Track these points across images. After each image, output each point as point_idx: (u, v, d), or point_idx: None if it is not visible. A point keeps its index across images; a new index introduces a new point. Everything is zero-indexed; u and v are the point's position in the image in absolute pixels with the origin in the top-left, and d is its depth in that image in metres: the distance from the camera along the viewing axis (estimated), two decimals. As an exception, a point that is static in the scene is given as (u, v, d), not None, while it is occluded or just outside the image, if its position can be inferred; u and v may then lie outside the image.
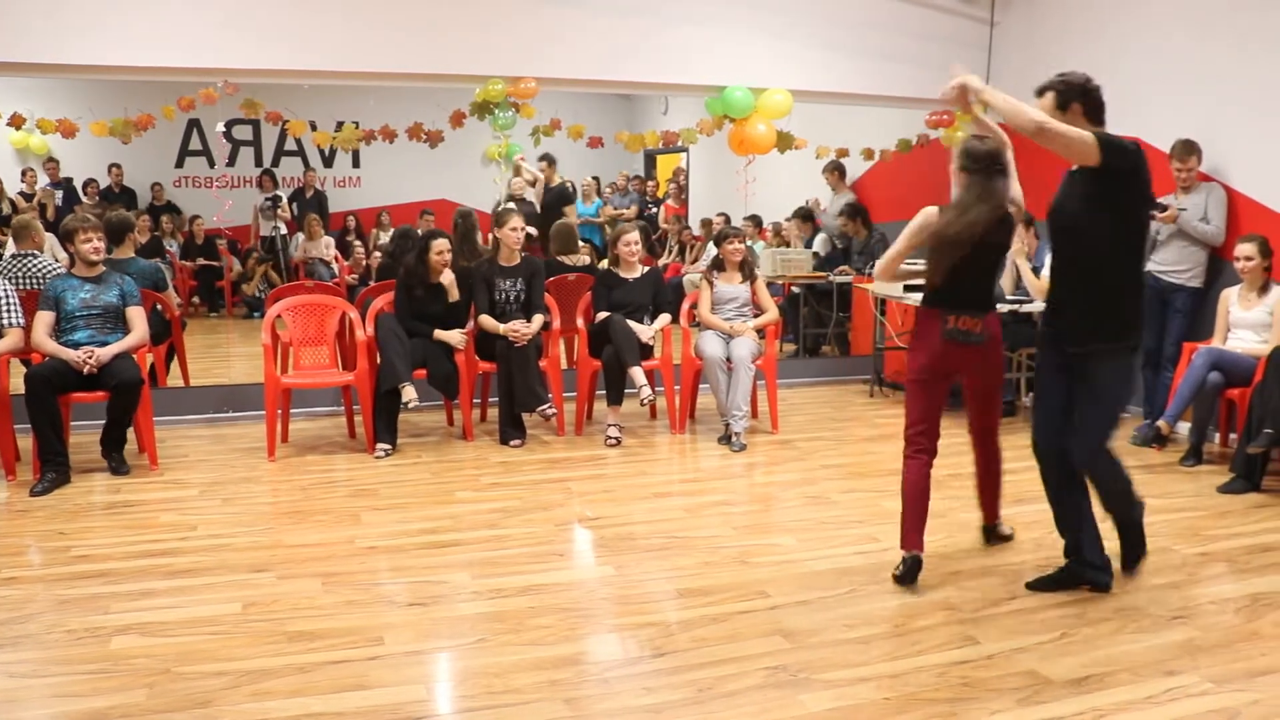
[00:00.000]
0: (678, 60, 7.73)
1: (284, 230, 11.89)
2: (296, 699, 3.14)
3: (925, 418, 4.09)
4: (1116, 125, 7.10)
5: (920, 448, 4.11)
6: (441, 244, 6.42)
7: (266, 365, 6.19)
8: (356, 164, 14.39)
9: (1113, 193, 3.60)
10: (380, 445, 6.12)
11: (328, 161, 14.33)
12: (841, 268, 9.07)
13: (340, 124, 8.45)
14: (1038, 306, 6.72)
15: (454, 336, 6.33)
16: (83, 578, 4.16)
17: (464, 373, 6.38)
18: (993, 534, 4.57)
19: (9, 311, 5.67)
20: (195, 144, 13.84)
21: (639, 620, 3.74)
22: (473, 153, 12.18)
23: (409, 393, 6.02)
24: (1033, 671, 3.30)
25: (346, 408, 6.73)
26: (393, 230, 9.64)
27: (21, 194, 11.89)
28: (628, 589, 4.07)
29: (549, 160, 10.87)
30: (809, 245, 9.80)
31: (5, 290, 5.71)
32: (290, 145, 13.93)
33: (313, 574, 4.20)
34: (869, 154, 9.39)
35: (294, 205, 12.69)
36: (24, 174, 12.35)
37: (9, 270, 6.49)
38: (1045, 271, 6.71)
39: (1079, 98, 3.76)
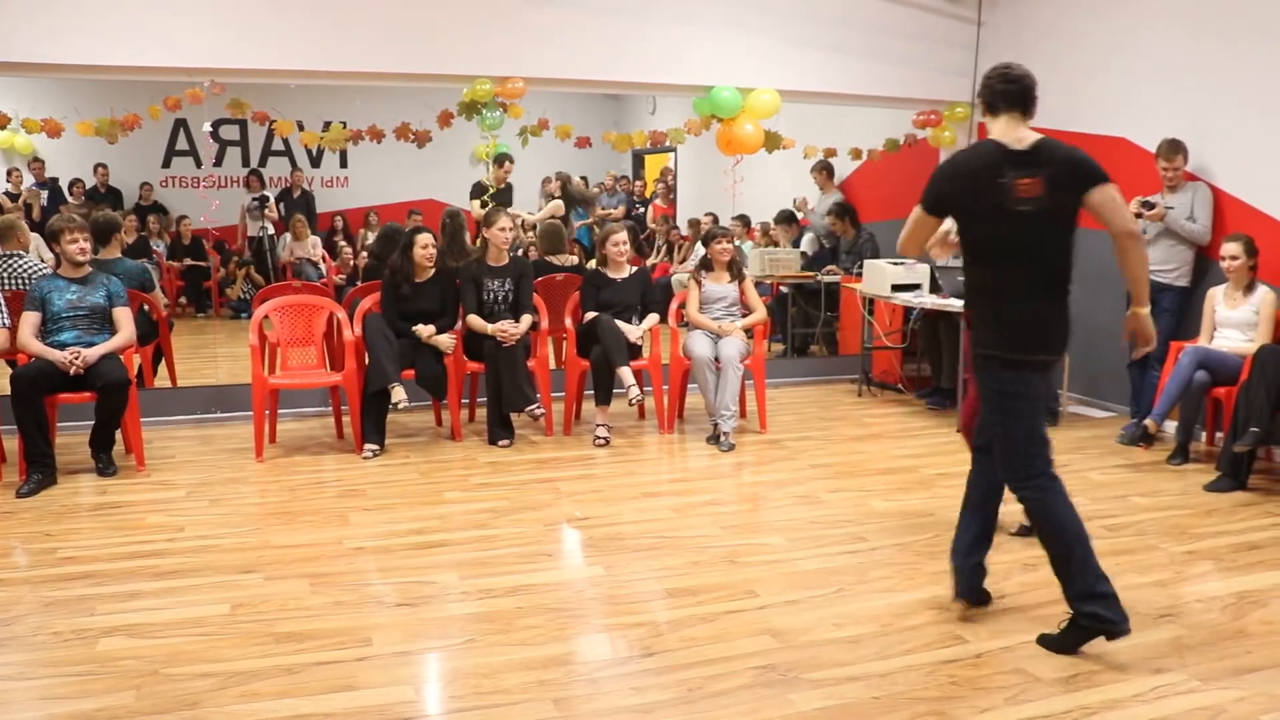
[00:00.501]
0: (665, 60, 7.73)
1: (271, 230, 11.84)
2: (285, 700, 3.13)
3: None
4: (1105, 124, 7.21)
5: None
6: (425, 239, 6.42)
7: (254, 366, 6.18)
8: (344, 164, 14.35)
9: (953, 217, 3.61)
10: (368, 446, 6.11)
11: (315, 161, 14.28)
12: (829, 267, 9.08)
13: (327, 124, 8.41)
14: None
15: (443, 340, 6.32)
16: (69, 579, 4.14)
17: (452, 373, 6.37)
18: None
19: (-6, 312, 5.65)
20: (182, 144, 13.77)
21: (628, 620, 3.74)
22: (461, 153, 12.14)
23: (398, 393, 6.01)
24: (1021, 670, 3.31)
25: (334, 408, 6.71)
26: (379, 230, 9.60)
27: (7, 194, 11.81)
28: (616, 589, 4.06)
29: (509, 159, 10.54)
30: (796, 245, 9.81)
31: (-10, 291, 5.69)
32: (277, 145, 13.87)
33: (301, 575, 4.19)
34: (856, 154, 9.41)
35: (281, 205, 12.65)
36: (9, 174, 12.28)
37: (-6, 271, 6.46)
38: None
39: (982, 94, 3.67)
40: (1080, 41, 7.50)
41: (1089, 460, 6.06)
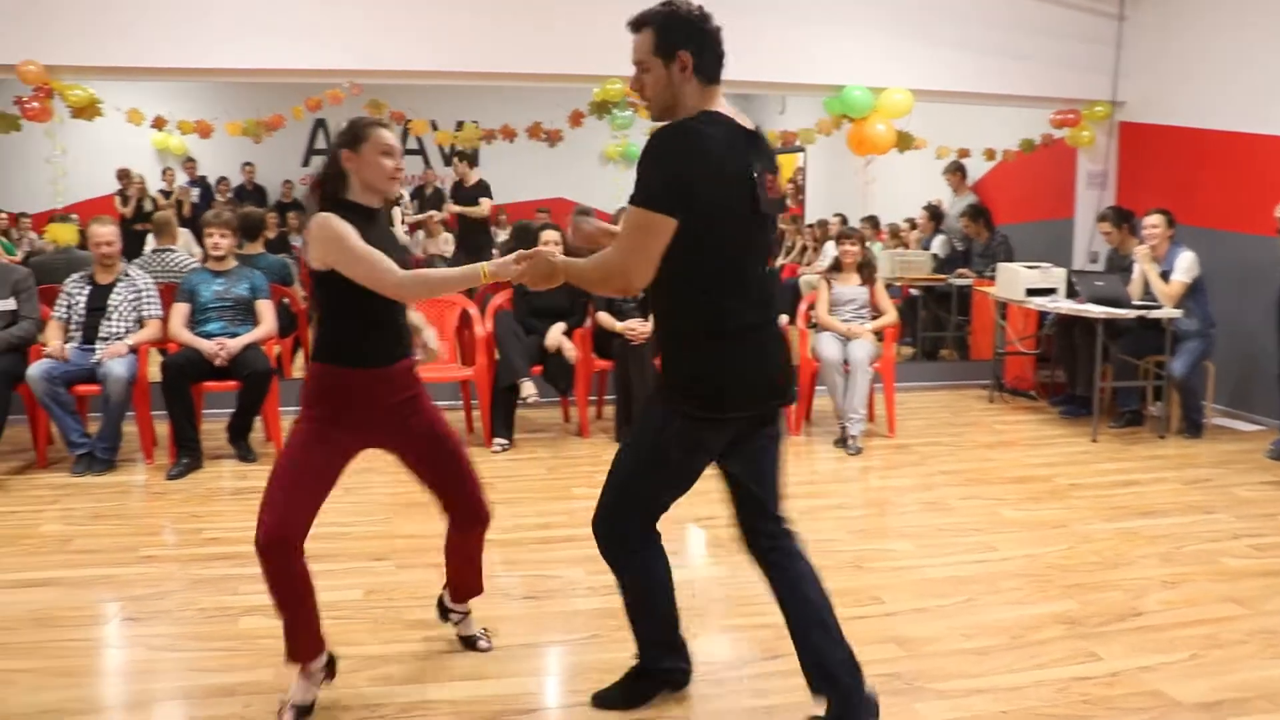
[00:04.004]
0: (796, 59, 7.67)
1: (406, 228, 12.12)
2: (414, 685, 3.21)
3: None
4: (1259, 122, 6.89)
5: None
6: (549, 235, 6.49)
7: (388, 359, 6.33)
8: (475, 163, 14.61)
9: None
10: (497, 440, 6.21)
11: (448, 160, 14.57)
12: (961, 270, 8.91)
13: (461, 123, 8.60)
14: (1166, 312, 6.50)
15: (566, 346, 6.36)
16: (214, 559, 4.32)
17: (580, 370, 6.43)
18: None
19: (149, 303, 5.93)
20: (321, 143, 14.22)
21: (752, 621, 3.72)
22: (591, 152, 12.29)
23: (528, 388, 6.10)
24: (1159, 692, 3.19)
25: (465, 402, 6.84)
26: (510, 226, 9.77)
27: (161, 192, 12.38)
28: (741, 590, 4.04)
29: (469, 159, 10.62)
30: (927, 246, 9.65)
31: (147, 283, 5.98)
32: (411, 144, 14.21)
33: (430, 564, 4.26)
34: (990, 154, 9.22)
35: (415, 203, 12.95)
36: (164, 172, 12.85)
37: (149, 265, 6.77)
38: (1175, 276, 6.54)
39: (686, 44, 2.83)
40: (1232, 34, 7.19)
41: (1235, 475, 5.81)
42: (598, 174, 12.33)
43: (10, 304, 5.83)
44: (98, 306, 5.86)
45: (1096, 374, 6.66)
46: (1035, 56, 8.08)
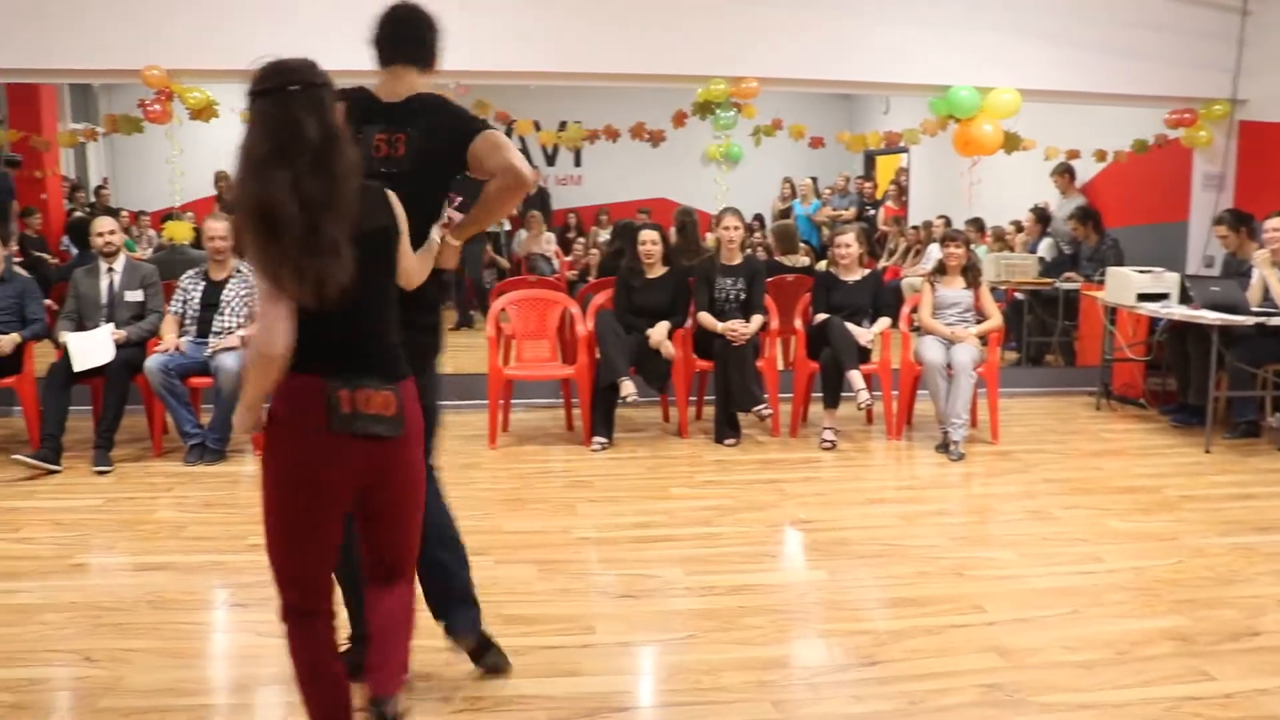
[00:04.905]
0: (901, 59, 7.58)
1: (508, 226, 12.27)
2: (510, 681, 3.24)
3: (305, 568, 2.59)
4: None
5: (307, 609, 2.62)
6: (648, 235, 6.51)
7: (490, 357, 6.43)
8: (578, 163, 14.74)
9: None
10: (597, 438, 6.25)
11: (550, 160, 14.71)
12: (1068, 274, 8.70)
13: (563, 123, 8.69)
14: (1289, 319, 6.27)
15: (666, 346, 6.35)
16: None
17: (681, 370, 6.44)
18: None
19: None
20: (426, 142, 14.44)
21: (850, 627, 3.70)
22: (693, 152, 12.31)
23: (627, 387, 6.12)
24: (1278, 717, 3.07)
25: (565, 400, 6.90)
26: (612, 226, 9.84)
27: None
28: (839, 594, 4.03)
29: None
30: (1034, 250, 9.45)
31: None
32: (514, 144, 14.37)
33: (529, 560, 4.33)
34: (1101, 155, 8.99)
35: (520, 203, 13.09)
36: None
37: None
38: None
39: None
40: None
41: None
42: (700, 174, 12.32)
43: (139, 295, 6.09)
44: (211, 302, 6.06)
45: (1211, 382, 6.44)
46: (1150, 54, 7.84)
